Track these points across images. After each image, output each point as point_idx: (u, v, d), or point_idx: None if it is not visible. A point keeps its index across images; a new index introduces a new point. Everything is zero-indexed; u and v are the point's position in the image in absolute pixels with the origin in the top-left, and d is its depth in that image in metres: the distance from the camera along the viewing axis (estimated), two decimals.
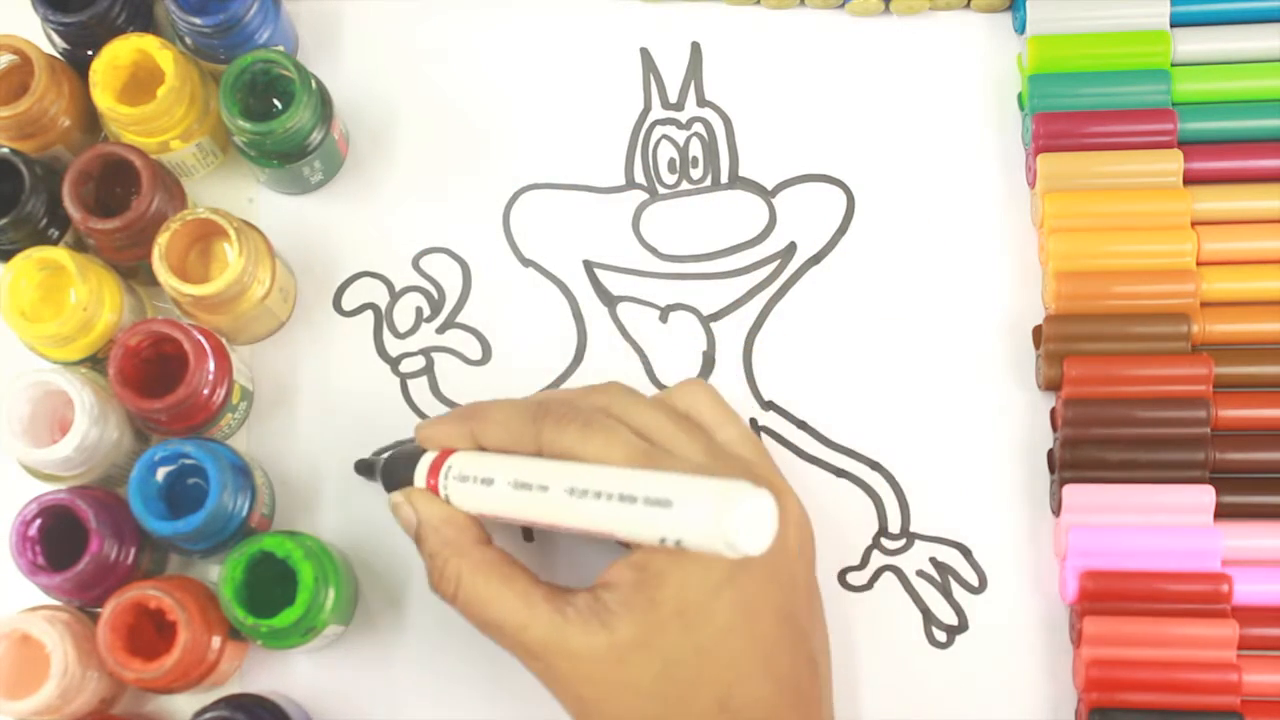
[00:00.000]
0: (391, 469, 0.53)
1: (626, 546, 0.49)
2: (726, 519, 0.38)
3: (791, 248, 0.60)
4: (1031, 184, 0.59)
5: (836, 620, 0.54)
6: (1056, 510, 0.56)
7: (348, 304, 0.60)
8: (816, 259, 0.59)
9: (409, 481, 0.51)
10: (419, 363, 0.59)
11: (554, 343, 0.59)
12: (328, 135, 0.58)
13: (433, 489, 0.50)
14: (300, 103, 0.55)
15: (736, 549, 0.38)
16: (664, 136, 0.61)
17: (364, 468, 0.57)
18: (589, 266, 0.60)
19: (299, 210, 0.61)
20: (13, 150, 0.55)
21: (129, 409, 0.54)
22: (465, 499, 0.49)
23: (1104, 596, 0.54)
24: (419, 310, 0.60)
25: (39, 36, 0.57)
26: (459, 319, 0.59)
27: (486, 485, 0.48)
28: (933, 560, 0.57)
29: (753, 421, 0.58)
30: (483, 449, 0.50)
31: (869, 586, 0.57)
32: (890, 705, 0.55)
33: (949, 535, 0.57)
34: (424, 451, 0.52)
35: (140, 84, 0.57)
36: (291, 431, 0.58)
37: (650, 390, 0.58)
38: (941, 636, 0.56)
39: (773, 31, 0.62)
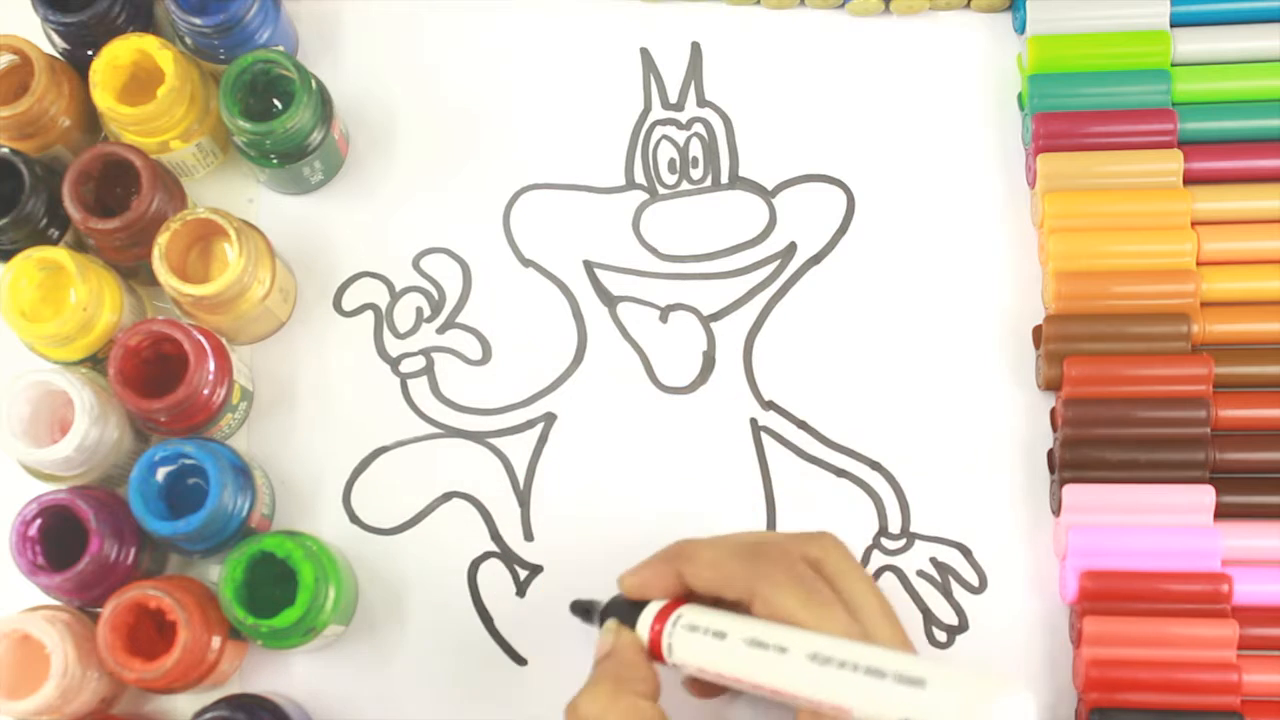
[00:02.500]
0: (616, 610, 0.50)
1: None
2: (986, 711, 0.37)
3: (792, 248, 0.60)
4: (1031, 184, 0.59)
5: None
6: (1056, 510, 0.56)
7: (348, 304, 0.60)
8: (817, 259, 0.60)
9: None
10: (419, 363, 0.59)
11: (554, 343, 0.59)
12: (328, 135, 0.58)
13: (655, 635, 0.48)
14: (300, 103, 0.55)
15: None
16: (664, 137, 0.61)
17: (580, 609, 0.54)
18: (589, 266, 0.60)
19: (299, 210, 0.61)
20: (13, 150, 0.55)
21: (129, 409, 0.54)
22: (692, 650, 0.46)
23: (1104, 596, 0.54)
24: (419, 310, 0.60)
25: (39, 36, 0.58)
26: (459, 319, 0.59)
27: (718, 639, 0.45)
28: (933, 560, 0.57)
29: (753, 421, 0.58)
30: (690, 593, 0.49)
31: None
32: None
33: (949, 535, 0.57)
34: (641, 603, 0.49)
35: (140, 84, 0.57)
36: (292, 432, 0.59)
37: (652, 389, 0.59)
38: (942, 636, 0.56)
39: (773, 31, 0.62)
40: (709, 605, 0.48)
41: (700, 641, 0.46)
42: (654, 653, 0.48)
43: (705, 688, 0.52)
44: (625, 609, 0.50)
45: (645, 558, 0.50)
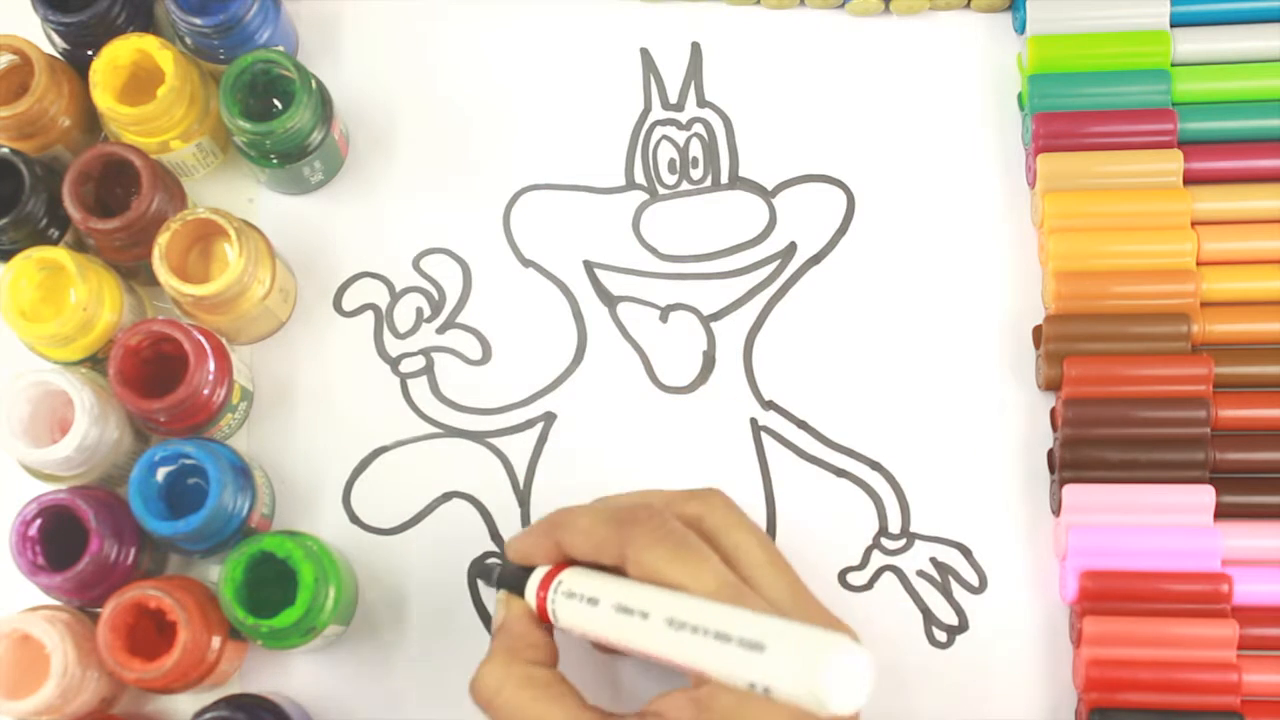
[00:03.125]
0: (508, 578, 0.51)
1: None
2: (821, 671, 0.37)
3: (792, 248, 0.60)
4: (1031, 184, 0.59)
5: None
6: (1056, 510, 0.56)
7: (348, 304, 0.60)
8: (817, 259, 0.59)
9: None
10: (419, 363, 0.59)
11: (554, 343, 0.59)
12: (328, 135, 0.58)
13: (541, 602, 0.49)
14: (300, 103, 0.55)
15: (825, 705, 0.37)
16: (664, 137, 0.61)
17: (481, 572, 0.56)
18: (589, 267, 0.60)
19: (299, 210, 0.61)
20: (13, 150, 0.55)
21: (129, 409, 0.54)
22: (570, 615, 0.47)
23: (1104, 596, 0.54)
24: (419, 310, 0.60)
25: (39, 36, 0.57)
26: (459, 319, 0.59)
27: (591, 605, 0.46)
28: (933, 560, 0.57)
29: (753, 421, 0.58)
30: (571, 561, 0.49)
31: (869, 586, 0.57)
32: (890, 705, 0.55)
33: (949, 535, 0.57)
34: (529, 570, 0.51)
35: (140, 84, 0.57)
36: (292, 432, 0.58)
37: (652, 389, 0.59)
38: (941, 636, 0.56)
39: (773, 31, 0.62)
40: (590, 569, 0.48)
41: (576, 608, 0.47)
42: (543, 618, 0.49)
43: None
44: (517, 576, 0.50)
45: (529, 527, 0.51)
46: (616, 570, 0.47)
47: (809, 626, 0.39)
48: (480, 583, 0.56)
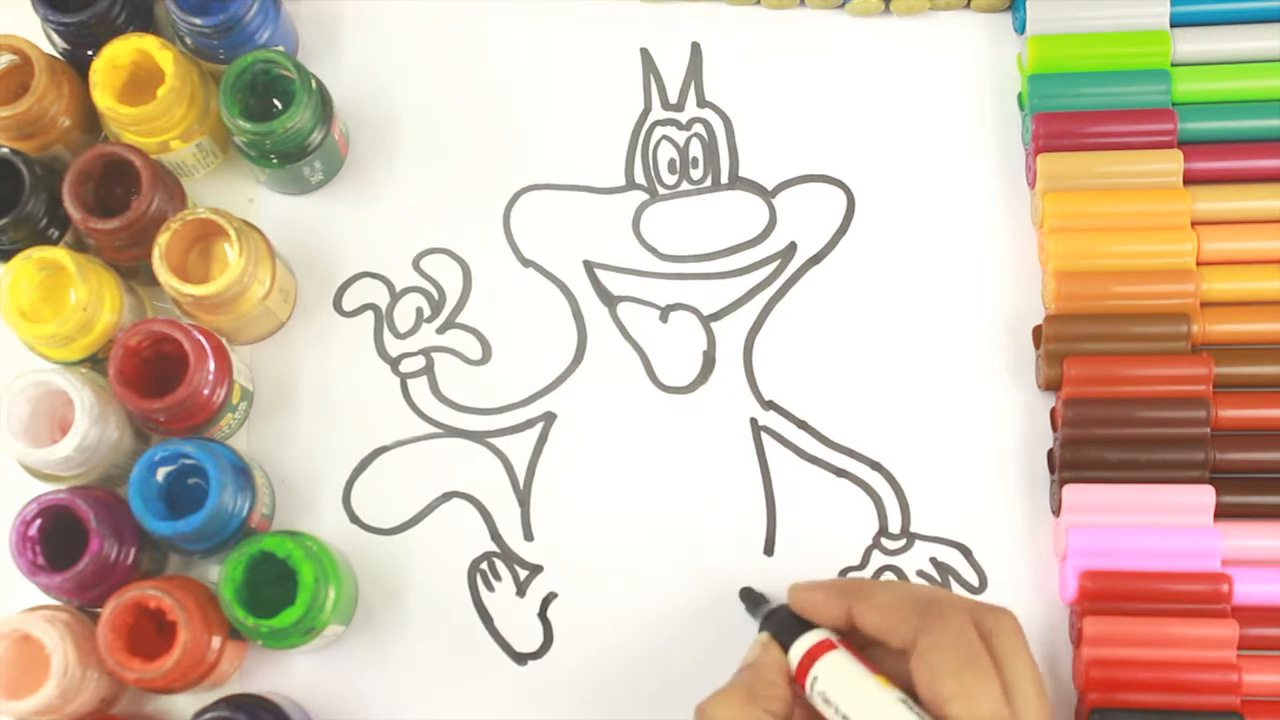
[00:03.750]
0: (776, 622, 0.50)
1: None
2: None
3: (792, 248, 0.60)
4: (1031, 184, 0.59)
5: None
6: (1056, 510, 0.56)
7: (348, 304, 0.60)
8: (817, 259, 0.60)
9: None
10: (419, 363, 0.59)
11: (554, 343, 0.59)
12: (328, 135, 0.58)
13: (800, 674, 0.48)
14: (300, 103, 0.55)
15: None
16: (664, 137, 0.61)
17: (749, 598, 0.54)
18: (589, 266, 0.60)
19: (299, 210, 0.61)
20: (13, 150, 0.55)
21: (129, 409, 0.54)
22: (821, 707, 0.47)
23: (1104, 596, 0.54)
24: (419, 310, 0.60)
25: (39, 36, 0.58)
26: (459, 319, 0.60)
27: (865, 685, 0.46)
28: (933, 560, 0.57)
29: (753, 421, 0.58)
30: (854, 628, 0.49)
31: None
32: None
33: (949, 535, 0.57)
34: (802, 621, 0.50)
35: (140, 84, 0.57)
36: (292, 432, 0.59)
37: (652, 389, 0.58)
38: None
39: (773, 31, 0.62)
40: (863, 652, 0.48)
41: (827, 710, 0.47)
42: (798, 681, 0.48)
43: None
44: (785, 621, 0.50)
45: (822, 579, 0.50)
46: (895, 655, 0.47)
47: None
48: (744, 605, 0.55)
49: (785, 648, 0.49)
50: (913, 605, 0.47)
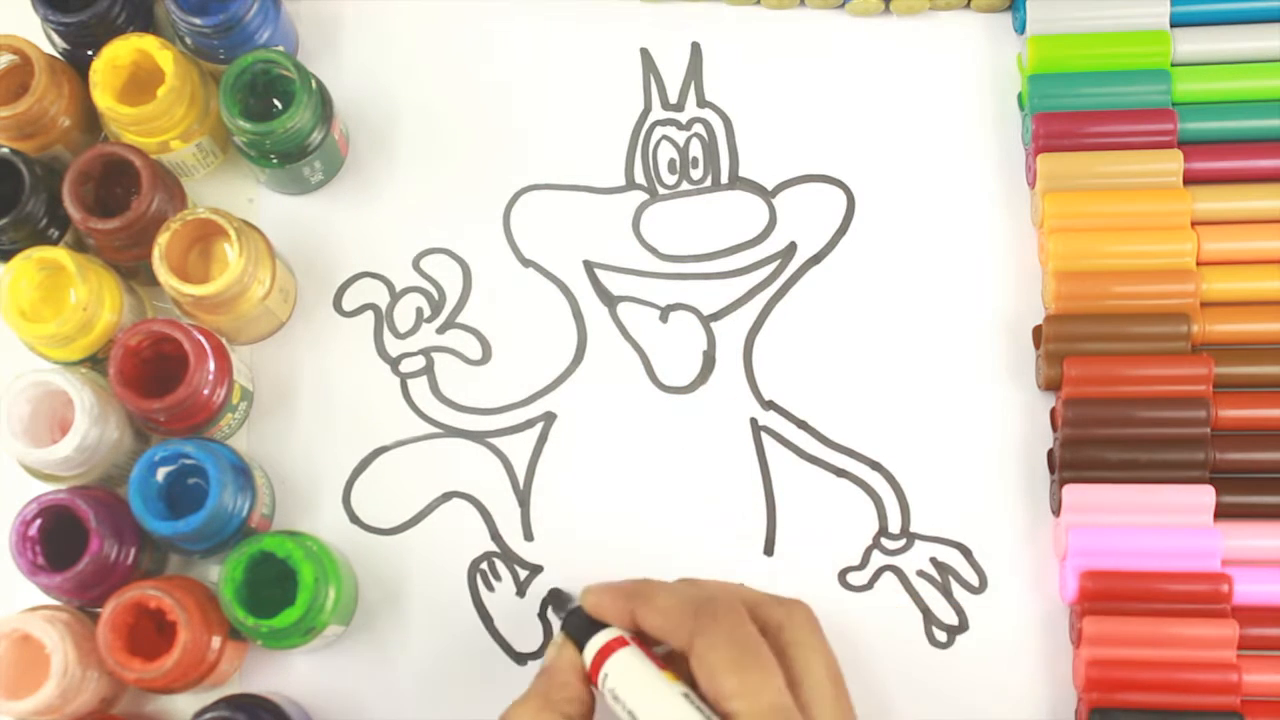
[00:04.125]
0: (572, 623, 0.51)
1: None
2: None
3: (792, 248, 0.60)
4: (1031, 184, 0.59)
5: (837, 620, 0.54)
6: (1056, 510, 0.56)
7: (348, 304, 0.60)
8: (817, 259, 0.59)
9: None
10: (419, 363, 0.59)
11: (554, 343, 0.59)
12: (328, 135, 0.58)
13: (593, 671, 0.49)
14: (300, 103, 0.55)
15: None
16: (664, 137, 0.61)
17: (555, 600, 0.54)
18: (589, 266, 0.60)
19: (299, 210, 0.61)
20: (13, 150, 0.55)
21: (129, 409, 0.54)
22: (611, 704, 0.48)
23: (1104, 596, 0.54)
24: (419, 310, 0.60)
25: (39, 36, 0.58)
26: (459, 319, 0.60)
27: (659, 681, 0.47)
28: (933, 560, 0.57)
29: (753, 421, 0.58)
30: (639, 632, 0.49)
31: (869, 586, 0.57)
32: (890, 705, 0.55)
33: (949, 535, 0.57)
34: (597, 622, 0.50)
35: (140, 84, 0.57)
36: (292, 432, 0.59)
37: (652, 389, 0.59)
38: (941, 636, 0.56)
39: (773, 31, 0.62)
40: (647, 659, 0.48)
41: (621, 714, 0.47)
42: (591, 679, 0.49)
43: None
44: (582, 622, 0.50)
45: (614, 581, 0.51)
46: (682, 654, 0.47)
47: None
48: (549, 608, 0.55)
49: (581, 647, 0.50)
50: (689, 607, 0.47)
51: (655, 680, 0.47)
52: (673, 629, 0.47)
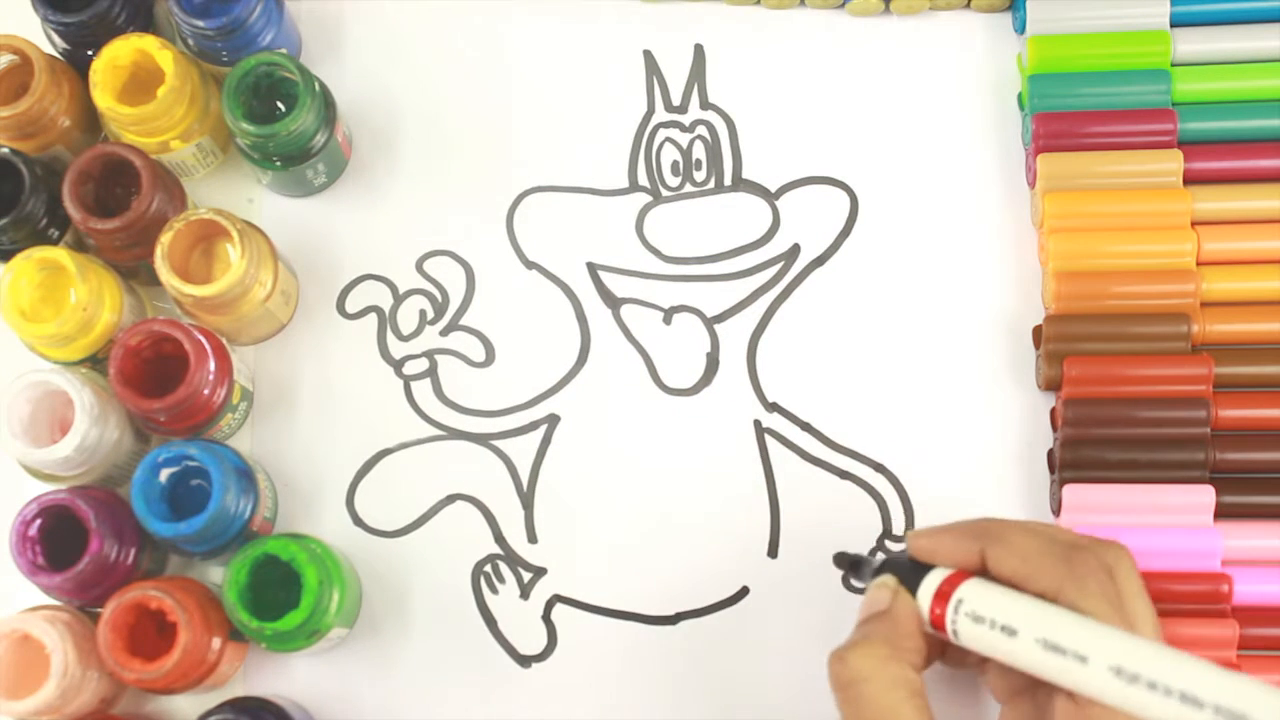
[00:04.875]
0: (899, 568, 0.48)
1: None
2: None
3: (795, 250, 0.60)
4: (1031, 184, 0.59)
5: (839, 622, 0.53)
6: (1056, 510, 0.56)
7: (351, 306, 0.60)
8: (820, 261, 0.60)
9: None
10: (422, 365, 0.59)
11: (558, 345, 0.59)
12: (331, 138, 0.57)
13: (936, 620, 0.46)
14: (304, 105, 0.55)
15: None
16: (667, 139, 0.61)
17: (846, 562, 0.52)
18: (592, 269, 0.60)
19: (302, 213, 0.61)
20: (13, 150, 0.55)
21: (129, 409, 0.53)
22: (977, 641, 0.44)
23: None
24: (422, 313, 0.59)
25: (39, 36, 0.57)
26: (462, 321, 0.59)
27: (1008, 635, 0.43)
28: None
29: (757, 423, 0.58)
30: (987, 572, 0.46)
31: None
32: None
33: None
34: (923, 565, 0.48)
35: (140, 84, 0.57)
36: (295, 434, 0.58)
37: (655, 391, 0.59)
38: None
39: (773, 32, 0.62)
40: (996, 585, 0.45)
41: (986, 634, 0.44)
42: (935, 625, 0.46)
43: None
44: (904, 570, 0.48)
45: (942, 524, 0.48)
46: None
47: None
48: (848, 574, 0.52)
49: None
50: (1057, 551, 0.45)
51: (1023, 597, 0.44)
52: (1035, 573, 0.45)
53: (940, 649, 0.50)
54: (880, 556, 0.50)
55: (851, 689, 0.45)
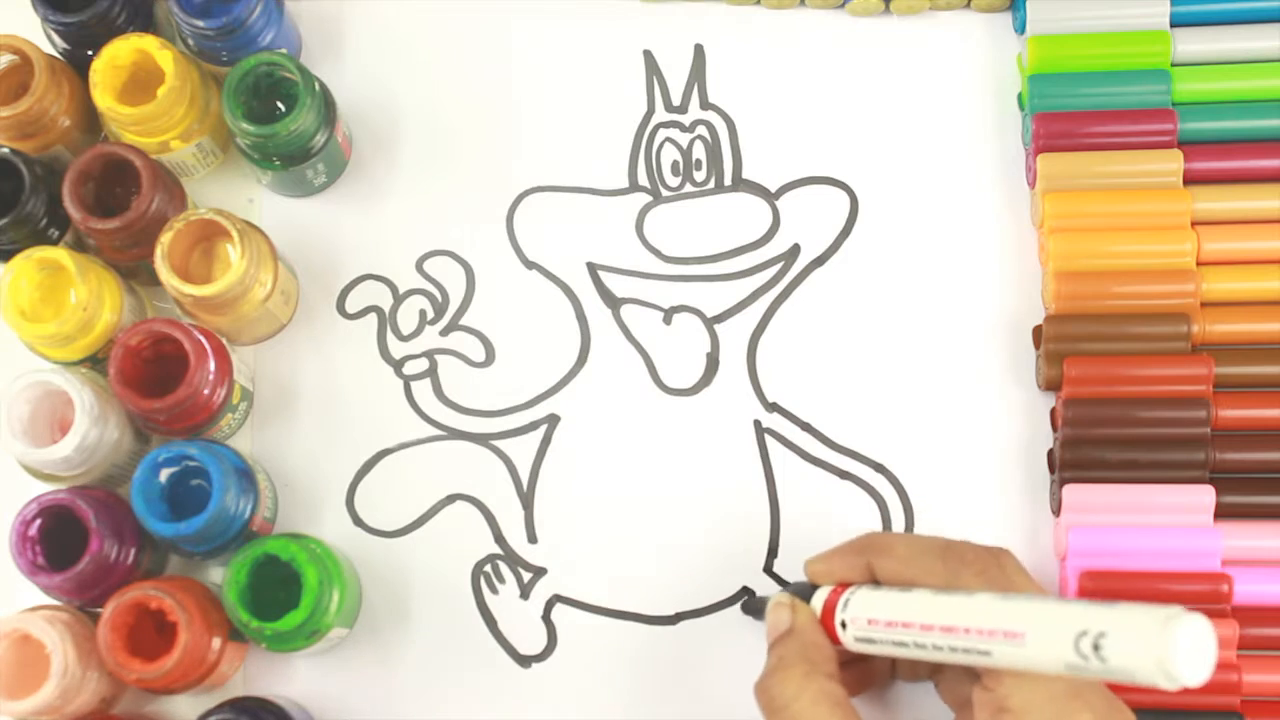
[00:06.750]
0: (795, 590, 0.51)
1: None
2: (1169, 639, 0.37)
3: (795, 250, 0.60)
4: (1031, 184, 0.59)
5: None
6: (1056, 510, 0.56)
7: (351, 306, 0.60)
8: (820, 261, 0.60)
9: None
10: (422, 365, 0.59)
11: (557, 345, 0.59)
12: (331, 138, 0.57)
13: (829, 608, 0.48)
14: (304, 105, 0.55)
15: (1176, 678, 0.37)
16: (667, 139, 0.61)
17: (751, 607, 0.55)
18: (592, 269, 0.60)
19: (302, 212, 0.61)
20: (13, 150, 0.55)
21: (129, 409, 0.53)
22: (874, 605, 0.47)
23: (1104, 596, 0.53)
24: (422, 313, 0.59)
25: (39, 36, 0.57)
26: (462, 321, 0.59)
27: (904, 591, 0.46)
28: None
29: (757, 424, 0.58)
30: (877, 584, 0.48)
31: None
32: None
33: (951, 537, 0.57)
34: (813, 588, 0.50)
35: (140, 84, 0.57)
36: (295, 434, 0.58)
37: (655, 391, 0.59)
38: None
39: (773, 32, 0.62)
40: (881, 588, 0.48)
41: (885, 596, 0.46)
42: (826, 628, 0.48)
43: (856, 678, 0.52)
44: (799, 591, 0.50)
45: (831, 547, 0.50)
46: None
47: (1146, 605, 0.38)
48: (752, 614, 0.55)
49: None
50: (934, 551, 0.47)
51: (905, 591, 0.46)
52: (919, 575, 0.47)
53: (874, 678, 0.52)
54: (775, 592, 0.52)
55: (783, 714, 0.47)
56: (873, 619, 0.46)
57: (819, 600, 0.49)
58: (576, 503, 0.57)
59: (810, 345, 0.59)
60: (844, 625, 0.47)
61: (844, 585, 0.49)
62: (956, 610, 0.44)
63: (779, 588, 0.56)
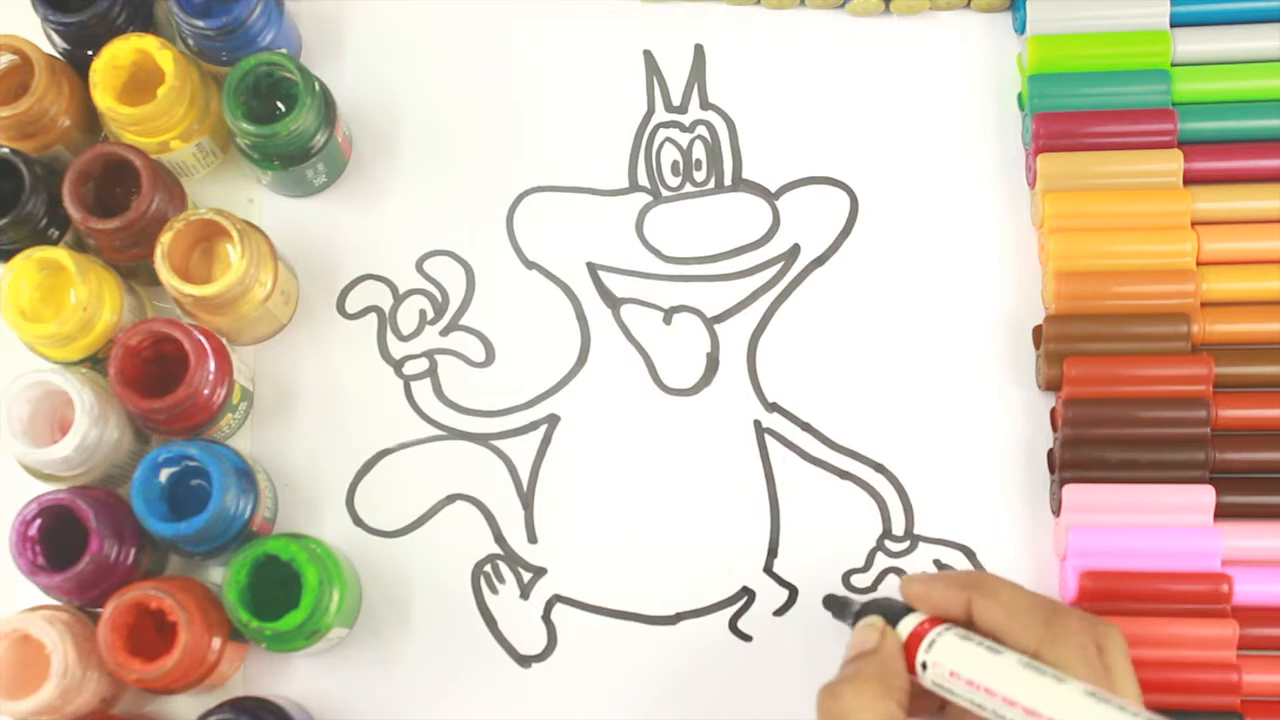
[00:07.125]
0: (884, 610, 0.49)
1: None
2: None
3: (795, 250, 0.60)
4: (1031, 184, 0.59)
5: (839, 622, 0.54)
6: (1056, 510, 0.56)
7: (351, 306, 0.60)
8: (820, 261, 0.60)
9: None
10: (422, 365, 0.59)
11: (557, 345, 0.59)
12: (331, 138, 0.58)
13: (912, 642, 0.47)
14: (304, 105, 0.55)
15: None
16: (667, 139, 0.61)
17: (834, 604, 0.53)
18: (592, 269, 0.60)
19: (302, 213, 0.61)
20: (13, 150, 0.55)
21: (129, 409, 0.53)
22: (958, 656, 0.46)
23: (1104, 596, 0.54)
24: (422, 313, 0.59)
25: (39, 36, 0.57)
26: (462, 321, 0.59)
27: (993, 652, 0.45)
28: (936, 562, 0.57)
29: (757, 424, 0.58)
30: (970, 622, 0.47)
31: (873, 588, 0.57)
32: None
33: (952, 537, 0.57)
34: (905, 609, 0.49)
35: (140, 84, 0.57)
36: (295, 434, 0.58)
37: (655, 391, 0.59)
38: None
39: (773, 32, 0.62)
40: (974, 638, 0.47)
41: (971, 650, 0.45)
42: (906, 656, 0.47)
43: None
44: (886, 612, 0.49)
45: (936, 572, 0.51)
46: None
47: None
48: (835, 614, 0.53)
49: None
50: (1040, 610, 0.46)
51: (995, 652, 0.45)
52: (1018, 630, 0.46)
53: (939, 704, 0.50)
54: (864, 599, 0.51)
55: None
56: (955, 672, 0.46)
57: (906, 627, 0.48)
58: (576, 503, 0.57)
59: (810, 345, 0.59)
60: (924, 666, 0.47)
61: (934, 621, 0.47)
62: (1044, 695, 0.43)
63: (848, 593, 0.55)
